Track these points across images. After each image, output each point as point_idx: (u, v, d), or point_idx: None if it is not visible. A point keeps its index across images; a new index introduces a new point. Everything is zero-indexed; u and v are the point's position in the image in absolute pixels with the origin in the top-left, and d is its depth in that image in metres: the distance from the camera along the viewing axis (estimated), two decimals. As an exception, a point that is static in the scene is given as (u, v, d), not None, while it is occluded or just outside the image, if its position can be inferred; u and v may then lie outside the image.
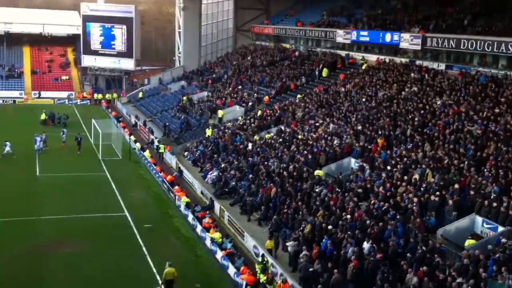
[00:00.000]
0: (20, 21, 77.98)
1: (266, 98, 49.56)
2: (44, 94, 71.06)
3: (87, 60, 74.10)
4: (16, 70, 74.30)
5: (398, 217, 23.12)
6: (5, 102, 67.66)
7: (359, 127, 33.93)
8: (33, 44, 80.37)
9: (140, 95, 67.88)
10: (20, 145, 43.25)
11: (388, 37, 44.64)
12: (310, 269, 21.72)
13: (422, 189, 24.53)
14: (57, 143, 45.55)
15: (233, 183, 34.05)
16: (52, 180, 36.55)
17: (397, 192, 25.14)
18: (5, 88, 70.71)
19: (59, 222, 29.17)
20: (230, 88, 55.70)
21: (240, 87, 55.38)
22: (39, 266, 23.90)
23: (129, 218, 30.10)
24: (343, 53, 51.79)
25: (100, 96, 71.44)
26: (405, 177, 26.00)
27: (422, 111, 32.36)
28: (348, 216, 24.50)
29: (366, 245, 21.87)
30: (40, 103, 66.43)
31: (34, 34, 79.97)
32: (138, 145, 46.22)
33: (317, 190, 28.39)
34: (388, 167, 27.71)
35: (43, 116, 55.38)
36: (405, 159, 27.78)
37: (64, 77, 75.43)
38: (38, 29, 79.39)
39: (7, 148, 40.74)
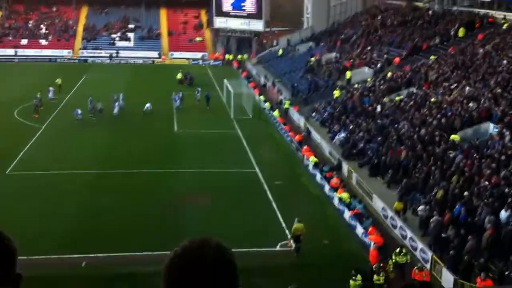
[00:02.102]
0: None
1: (396, 59, 48.14)
2: (179, 55, 74.48)
3: (219, 22, 76.31)
4: (154, 32, 78.61)
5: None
6: (145, 62, 72.13)
7: (499, 91, 32.02)
8: (169, 6, 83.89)
9: (280, 52, 67.69)
10: (159, 102, 46.27)
11: (536, -7, 41.12)
12: (443, 235, 21.36)
13: None
14: (191, 101, 47.98)
15: (362, 145, 33.92)
16: (189, 136, 38.83)
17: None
18: (144, 49, 75.20)
19: (196, 175, 31.15)
20: (359, 49, 54.74)
21: (369, 48, 54.22)
22: (175, 215, 25.66)
23: (260, 175, 31.33)
24: (482, 11, 48.55)
25: (231, 57, 73.50)
26: (551, 145, 24.39)
27: None
28: (486, 183, 23.55)
29: (503, 214, 21.02)
30: (177, 63, 69.85)
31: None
32: (267, 104, 47.34)
33: (451, 155, 27.50)
34: (532, 134, 26.09)
35: (179, 76, 58.32)
36: (551, 125, 25.97)
37: (198, 39, 78.53)
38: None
39: (147, 105, 43.73)
